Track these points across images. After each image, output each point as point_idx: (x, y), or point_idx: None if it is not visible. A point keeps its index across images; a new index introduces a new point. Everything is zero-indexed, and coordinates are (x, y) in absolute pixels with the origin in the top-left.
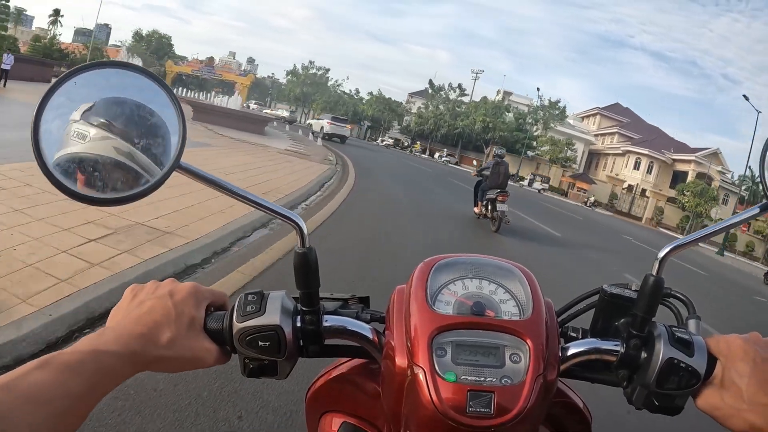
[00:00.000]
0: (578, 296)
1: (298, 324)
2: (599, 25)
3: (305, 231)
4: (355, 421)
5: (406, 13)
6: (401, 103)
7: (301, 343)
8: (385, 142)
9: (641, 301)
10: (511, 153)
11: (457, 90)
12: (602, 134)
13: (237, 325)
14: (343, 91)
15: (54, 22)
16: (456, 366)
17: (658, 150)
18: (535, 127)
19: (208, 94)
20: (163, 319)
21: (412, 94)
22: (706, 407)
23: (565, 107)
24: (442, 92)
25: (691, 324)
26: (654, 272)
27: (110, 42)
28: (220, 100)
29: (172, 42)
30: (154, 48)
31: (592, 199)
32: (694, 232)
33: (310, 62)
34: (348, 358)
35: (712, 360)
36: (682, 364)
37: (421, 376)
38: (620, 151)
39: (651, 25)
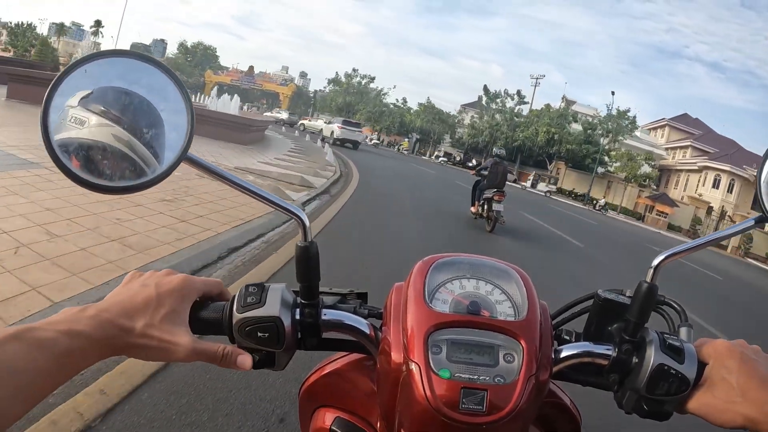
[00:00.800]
0: (573, 300)
1: (297, 316)
2: (653, 35)
3: (308, 225)
4: (348, 416)
5: (457, 27)
6: (452, 113)
7: (300, 336)
8: (440, 159)
9: (634, 306)
10: (579, 169)
11: (515, 97)
12: (673, 148)
13: (237, 316)
14: (393, 103)
15: (95, 33)
16: (450, 363)
17: (738, 165)
18: (606, 139)
19: (251, 105)
20: (142, 307)
21: (464, 106)
22: (698, 408)
23: (635, 117)
24: (498, 99)
25: (683, 331)
26: (648, 279)
27: (165, 56)
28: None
29: (217, 53)
30: (199, 59)
31: (602, 201)
32: None
33: (354, 70)
34: (342, 354)
35: (701, 366)
36: (672, 371)
37: (415, 372)
38: (696, 167)
39: (706, 34)
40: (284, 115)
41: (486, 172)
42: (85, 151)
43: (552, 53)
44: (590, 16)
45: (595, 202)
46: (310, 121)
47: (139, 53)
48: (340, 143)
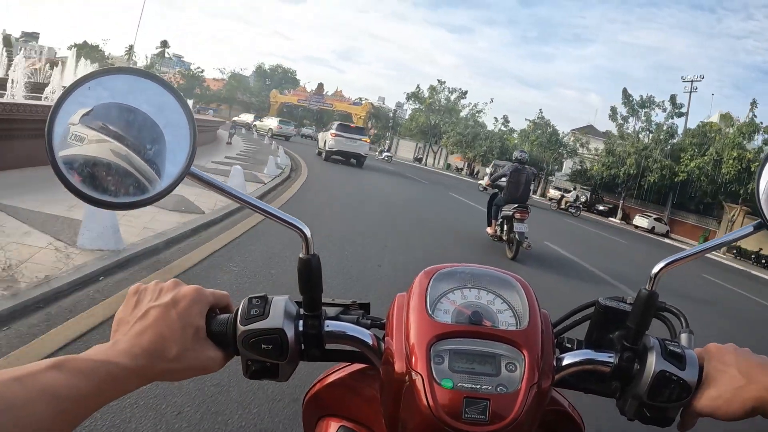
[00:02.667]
0: (574, 308)
1: (300, 328)
2: (756, 55)
3: (310, 238)
4: (352, 425)
5: (553, 56)
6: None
7: (303, 347)
8: (568, 204)
9: (635, 314)
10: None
11: (667, 106)
12: None
13: (240, 328)
14: (501, 127)
15: (161, 54)
16: (453, 373)
17: None
18: None
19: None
20: (168, 332)
21: (575, 131)
22: (706, 407)
23: None
24: (644, 110)
25: (684, 338)
26: (648, 287)
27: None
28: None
29: (297, 77)
30: (278, 82)
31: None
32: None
33: (440, 82)
34: (346, 363)
35: (701, 371)
36: (674, 377)
37: (418, 382)
38: None
39: None
40: (273, 123)
41: (503, 183)
42: (87, 167)
43: (650, 78)
44: (686, 37)
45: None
46: (262, 121)
47: (140, 70)
48: (339, 157)
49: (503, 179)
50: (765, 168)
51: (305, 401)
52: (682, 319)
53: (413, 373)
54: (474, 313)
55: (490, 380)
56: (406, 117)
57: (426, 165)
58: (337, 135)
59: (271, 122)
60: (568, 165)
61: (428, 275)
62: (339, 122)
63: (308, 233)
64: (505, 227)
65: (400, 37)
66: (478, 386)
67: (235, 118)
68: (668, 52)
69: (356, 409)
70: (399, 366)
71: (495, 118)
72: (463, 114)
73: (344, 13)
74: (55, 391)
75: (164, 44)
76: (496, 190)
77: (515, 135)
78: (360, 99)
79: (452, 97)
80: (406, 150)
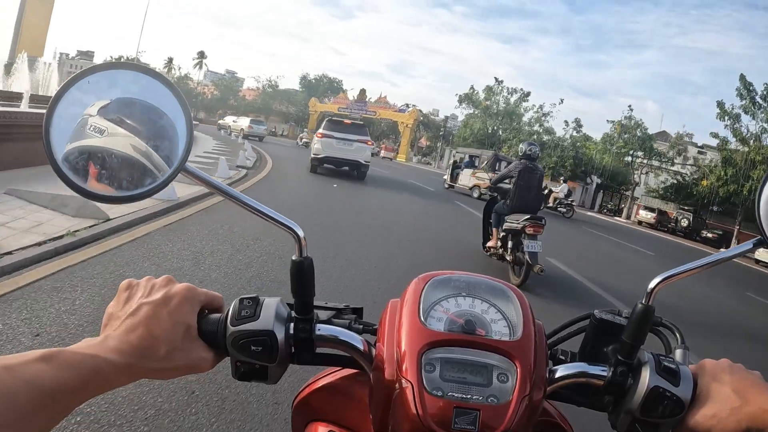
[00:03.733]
0: (569, 320)
1: (291, 331)
2: None
3: (303, 240)
4: (341, 430)
5: (608, 64)
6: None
7: (293, 350)
8: (568, 201)
9: (630, 328)
10: None
11: None
12: None
13: (231, 329)
14: (573, 133)
15: (198, 66)
16: (444, 382)
17: None
18: None
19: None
20: (158, 330)
21: (654, 135)
22: (699, 425)
23: None
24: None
25: (678, 353)
26: (644, 301)
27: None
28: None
29: (343, 87)
30: (323, 92)
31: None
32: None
33: (497, 81)
34: (336, 368)
35: (695, 387)
36: (667, 393)
37: (408, 390)
38: None
39: None
40: (245, 123)
41: (508, 185)
42: (104, 160)
43: (710, 84)
44: (745, 39)
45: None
46: (235, 122)
47: (140, 66)
48: (331, 166)
49: (507, 182)
50: (766, 186)
51: (294, 405)
52: (678, 335)
53: (403, 381)
54: (467, 321)
55: (481, 391)
56: (460, 124)
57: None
58: (325, 136)
59: (243, 122)
60: (646, 178)
61: (422, 282)
62: (330, 118)
63: (302, 235)
64: (510, 244)
65: (452, 50)
66: (469, 396)
67: (220, 121)
68: (727, 56)
69: (345, 414)
70: (389, 373)
71: (565, 122)
72: (526, 118)
73: (396, 27)
74: (41, 382)
75: (201, 55)
76: (496, 194)
77: (594, 141)
78: (407, 105)
79: (512, 99)
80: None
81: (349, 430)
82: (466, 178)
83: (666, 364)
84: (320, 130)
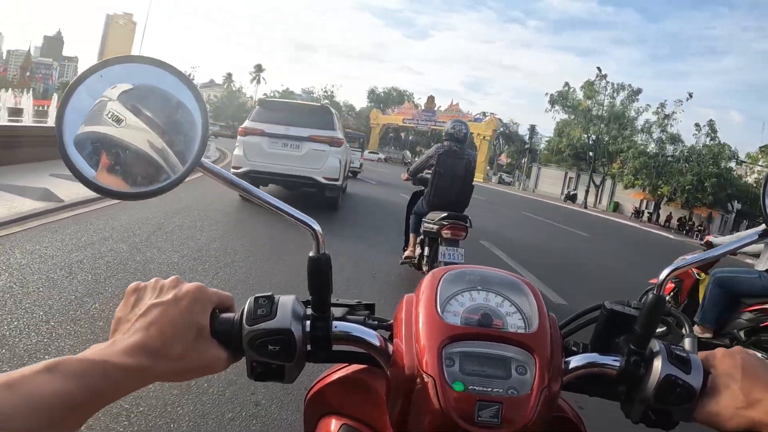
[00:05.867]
0: (580, 311)
1: (308, 329)
2: None
3: (321, 236)
4: (355, 424)
5: (687, 73)
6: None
7: (309, 348)
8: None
9: (642, 318)
10: None
11: None
12: None
13: (247, 328)
14: (705, 140)
15: (256, 80)
16: (464, 376)
17: None
18: None
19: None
20: (170, 331)
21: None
22: (705, 417)
23: None
24: None
25: (687, 342)
26: (656, 291)
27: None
28: None
29: (413, 100)
30: (395, 102)
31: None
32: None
33: (600, 74)
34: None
35: (705, 375)
36: (679, 381)
37: (430, 385)
38: None
39: None
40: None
41: (429, 175)
42: (117, 152)
43: None
44: None
45: None
46: None
47: (155, 59)
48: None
49: (428, 171)
50: None
51: (307, 399)
52: (686, 324)
53: (424, 376)
54: (484, 315)
55: (501, 383)
56: (550, 133)
57: (585, 206)
58: (250, 132)
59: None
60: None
61: (437, 277)
62: (263, 99)
63: (320, 231)
64: (427, 250)
65: (527, 65)
66: (490, 389)
67: None
68: None
69: (359, 407)
70: (409, 368)
71: (696, 125)
72: (639, 122)
73: (469, 44)
74: (46, 396)
75: (258, 69)
76: (422, 187)
77: (753, 151)
78: (483, 114)
79: (618, 99)
80: (550, 182)
81: (363, 423)
82: None
83: (677, 352)
84: (246, 122)
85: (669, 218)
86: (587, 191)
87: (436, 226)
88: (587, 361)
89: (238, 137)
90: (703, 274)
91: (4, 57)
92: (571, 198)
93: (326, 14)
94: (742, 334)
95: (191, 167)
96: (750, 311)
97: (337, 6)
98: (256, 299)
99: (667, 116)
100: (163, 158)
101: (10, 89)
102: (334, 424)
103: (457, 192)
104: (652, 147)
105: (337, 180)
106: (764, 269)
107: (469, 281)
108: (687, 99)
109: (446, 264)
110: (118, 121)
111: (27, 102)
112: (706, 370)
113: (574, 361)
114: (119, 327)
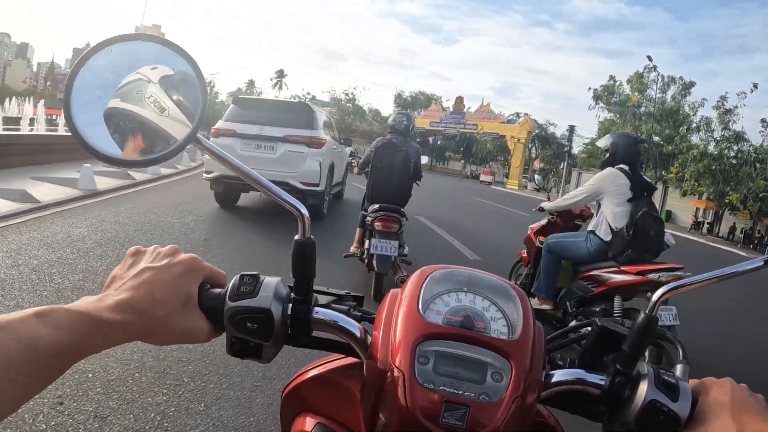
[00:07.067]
0: (570, 326)
1: (289, 312)
2: None
3: (308, 220)
4: (330, 423)
5: (718, 72)
6: None
7: (290, 331)
8: None
9: (632, 337)
10: None
11: None
12: None
13: (229, 304)
14: None
15: (278, 85)
16: (436, 375)
17: None
18: None
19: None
20: (159, 293)
21: None
22: None
23: None
24: None
25: (679, 369)
26: (648, 311)
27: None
28: None
29: (441, 102)
30: (422, 106)
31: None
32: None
33: (650, 64)
34: (328, 359)
35: (694, 405)
36: (664, 408)
37: (399, 380)
38: None
39: None
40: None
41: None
42: (151, 134)
43: None
44: None
45: None
46: None
47: (161, 38)
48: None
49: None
50: None
51: (284, 395)
52: (680, 349)
53: (395, 370)
54: (466, 317)
55: (474, 387)
56: (588, 135)
57: None
58: (222, 133)
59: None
60: None
61: (424, 274)
62: (237, 96)
63: (306, 214)
64: (367, 243)
65: (555, 68)
66: (461, 392)
67: None
68: None
69: (335, 406)
70: (382, 362)
71: (763, 120)
72: (695, 119)
73: (497, 49)
74: (34, 340)
75: (280, 74)
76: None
77: None
78: (516, 114)
79: (669, 93)
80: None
81: (338, 423)
82: None
83: (665, 378)
84: (219, 122)
85: (732, 230)
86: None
87: (371, 218)
88: (571, 376)
89: (211, 138)
90: (544, 239)
91: (35, 69)
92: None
93: (355, 22)
94: (569, 305)
95: (188, 140)
96: (580, 279)
97: (364, 13)
98: (242, 277)
99: (728, 111)
100: (169, 128)
101: (14, 98)
102: (308, 422)
103: (396, 185)
104: (711, 147)
105: (317, 185)
106: (590, 229)
107: (456, 282)
108: (751, 90)
109: (378, 257)
110: (161, 109)
111: (28, 110)
112: (694, 398)
113: (558, 376)
114: (112, 284)
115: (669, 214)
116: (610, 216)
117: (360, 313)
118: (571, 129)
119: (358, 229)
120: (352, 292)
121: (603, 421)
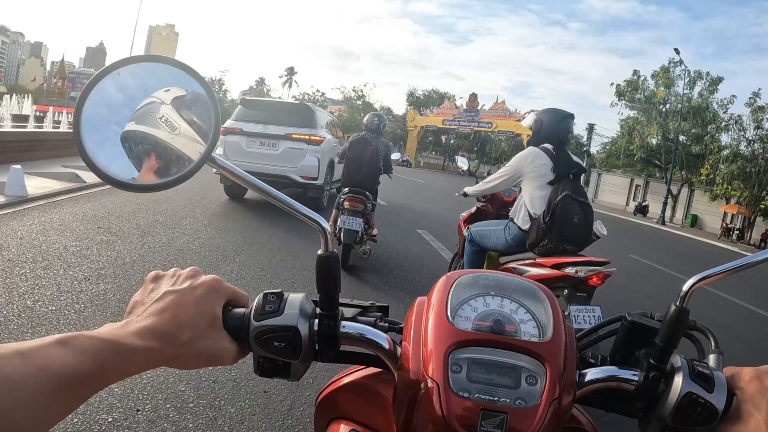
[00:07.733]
0: (600, 322)
1: (315, 328)
2: None
3: (330, 234)
4: (363, 429)
5: (734, 72)
6: None
7: (317, 347)
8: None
9: (663, 331)
10: None
11: None
12: None
13: (254, 324)
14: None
15: (287, 83)
16: (470, 383)
17: None
18: None
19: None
20: (183, 316)
21: None
22: None
23: None
24: None
25: (712, 359)
26: (679, 302)
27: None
28: None
29: (454, 100)
30: (435, 105)
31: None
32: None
33: (676, 57)
34: (361, 366)
35: (730, 397)
36: (700, 400)
37: (434, 390)
38: None
39: None
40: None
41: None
42: (166, 156)
43: None
44: None
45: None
46: None
47: (171, 59)
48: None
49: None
50: None
51: (318, 402)
52: (711, 339)
53: (429, 381)
54: (496, 321)
55: (509, 393)
56: (607, 134)
57: (663, 221)
58: (230, 132)
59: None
60: None
61: (450, 280)
62: (244, 98)
63: (328, 229)
64: (340, 221)
65: (571, 68)
66: (496, 398)
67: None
68: None
69: (368, 413)
70: (414, 372)
71: None
72: (724, 116)
73: (511, 49)
74: (57, 368)
75: (290, 72)
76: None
77: None
78: (533, 112)
79: (696, 89)
80: (612, 190)
81: (372, 429)
82: None
83: (700, 369)
84: (227, 121)
85: (765, 236)
86: (665, 203)
87: (341, 199)
88: (604, 374)
89: (220, 137)
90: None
91: (48, 68)
92: (642, 211)
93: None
94: None
95: (202, 161)
96: (501, 272)
97: (380, 13)
98: (265, 295)
99: (761, 108)
100: (183, 148)
101: (13, 95)
102: (342, 428)
103: (363, 174)
104: (743, 147)
105: (315, 179)
106: (510, 217)
107: (483, 286)
108: None
109: (345, 230)
110: (173, 128)
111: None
112: (731, 390)
113: (591, 374)
114: (134, 310)
115: (695, 218)
116: (529, 201)
117: (387, 324)
118: (590, 127)
119: (334, 210)
120: (377, 303)
121: (638, 417)
